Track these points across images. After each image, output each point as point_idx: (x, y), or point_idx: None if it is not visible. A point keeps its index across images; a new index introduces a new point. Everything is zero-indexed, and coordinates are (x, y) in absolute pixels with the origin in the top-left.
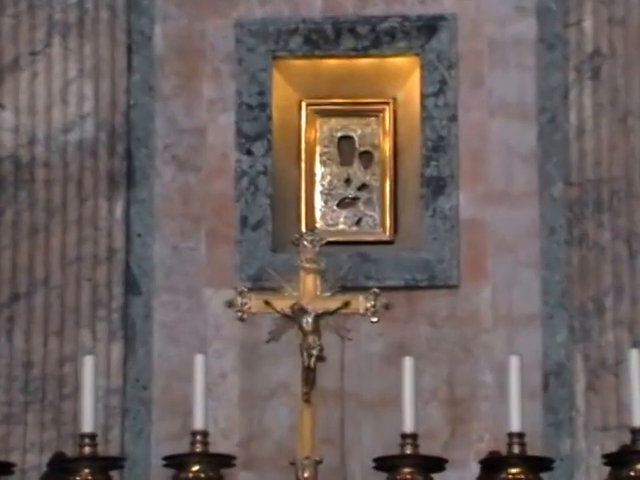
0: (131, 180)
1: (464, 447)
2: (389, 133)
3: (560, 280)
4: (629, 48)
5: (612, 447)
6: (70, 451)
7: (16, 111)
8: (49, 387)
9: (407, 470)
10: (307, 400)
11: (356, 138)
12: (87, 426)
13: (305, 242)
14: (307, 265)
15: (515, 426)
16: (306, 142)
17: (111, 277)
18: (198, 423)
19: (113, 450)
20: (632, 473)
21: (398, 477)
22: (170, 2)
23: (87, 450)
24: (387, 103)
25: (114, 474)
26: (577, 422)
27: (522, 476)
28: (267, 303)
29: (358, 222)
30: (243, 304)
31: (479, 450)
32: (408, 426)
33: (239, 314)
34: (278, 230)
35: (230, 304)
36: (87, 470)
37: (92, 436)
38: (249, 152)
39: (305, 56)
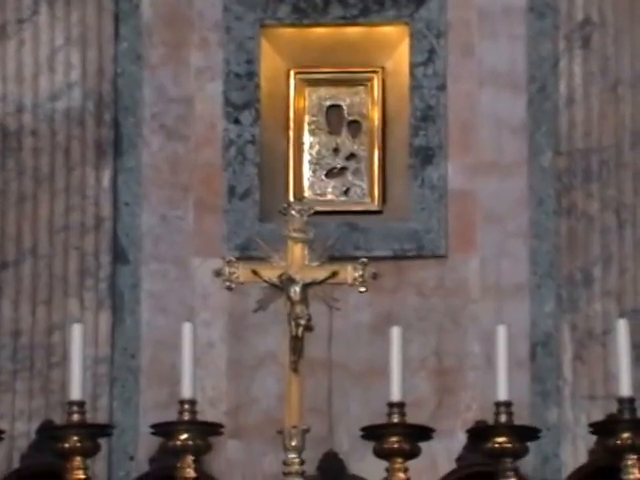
0: (119, 149)
1: (451, 416)
2: (378, 102)
3: (548, 250)
4: (619, 16)
5: (599, 416)
6: (59, 419)
7: (3, 79)
8: (37, 355)
9: (394, 439)
10: (295, 369)
11: (345, 107)
12: (75, 394)
13: (293, 212)
14: (295, 235)
15: (502, 395)
16: (294, 111)
17: (99, 246)
18: (186, 392)
19: (101, 418)
20: (618, 442)
21: (385, 446)
22: None
23: (75, 418)
24: (376, 72)
25: (102, 442)
26: (564, 391)
27: (509, 445)
28: (255, 273)
29: (346, 192)
30: (231, 273)
31: (466, 419)
32: (395, 395)
33: (227, 283)
34: (266, 200)
35: (218, 273)
36: (75, 437)
37: (80, 404)
38: (237, 121)
39: (293, 25)
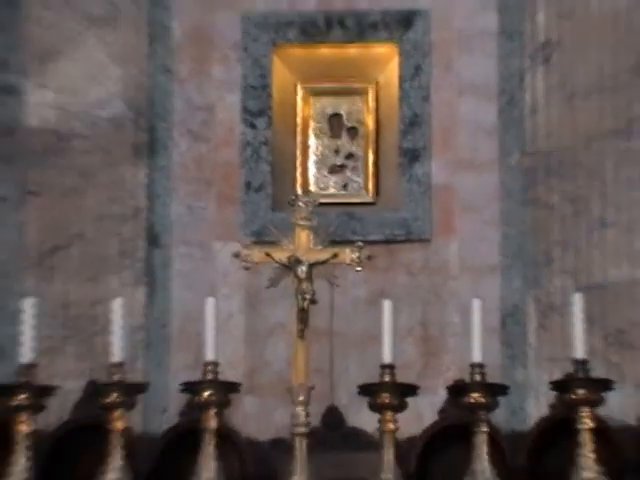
0: (152, 150)
1: (434, 376)
2: (372, 110)
3: (516, 236)
4: (575, 39)
5: (558, 375)
6: (102, 378)
7: (57, 90)
8: (84, 324)
9: (385, 395)
10: (301, 337)
11: (344, 114)
12: (116, 357)
13: (300, 203)
14: (302, 222)
15: (477, 358)
16: (301, 118)
17: (136, 232)
18: (209, 355)
19: (138, 378)
20: (574, 397)
21: (378, 401)
22: None
23: (116, 377)
24: (370, 85)
25: (138, 398)
26: (529, 355)
27: (482, 400)
28: (267, 254)
29: (345, 186)
30: (247, 255)
31: (447, 378)
32: (387, 358)
33: (244, 264)
34: (277, 192)
35: (236, 255)
36: (116, 394)
37: (120, 365)
38: (252, 126)
39: (301, 45)
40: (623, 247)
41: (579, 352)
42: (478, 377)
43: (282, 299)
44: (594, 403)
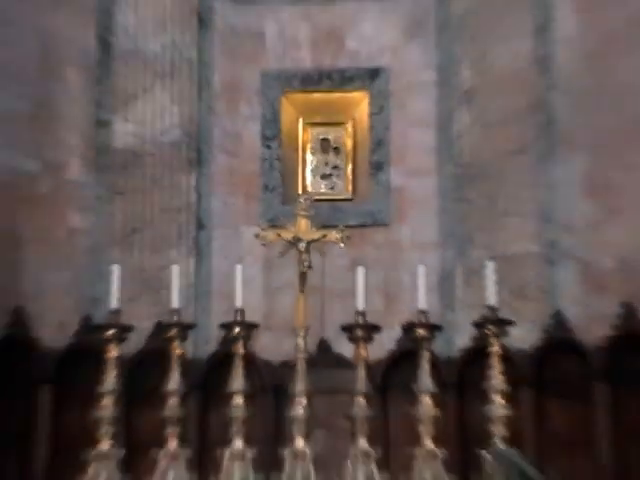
0: (199, 163)
1: (393, 319)
2: (350, 136)
3: (449, 222)
4: (488, 87)
5: (477, 317)
6: (165, 319)
7: (135, 123)
8: (153, 283)
9: (359, 331)
10: (302, 291)
11: (331, 139)
12: (175, 305)
13: (301, 199)
14: (302, 213)
15: (422, 306)
16: (302, 141)
17: (188, 219)
18: (238, 304)
19: (189, 320)
20: (487, 331)
21: (354, 335)
22: (223, 57)
23: (174, 319)
24: (349, 119)
25: (190, 333)
26: (457, 304)
27: (425, 334)
28: (278, 235)
29: (332, 188)
30: (264, 236)
31: (401, 320)
32: (360, 306)
33: (261, 241)
34: (285, 192)
35: (256, 235)
36: (174, 330)
37: (177, 310)
38: (268, 147)
39: (301, 91)
40: (520, 230)
41: (491, 301)
42: (423, 319)
43: (288, 266)
44: (501, 335)
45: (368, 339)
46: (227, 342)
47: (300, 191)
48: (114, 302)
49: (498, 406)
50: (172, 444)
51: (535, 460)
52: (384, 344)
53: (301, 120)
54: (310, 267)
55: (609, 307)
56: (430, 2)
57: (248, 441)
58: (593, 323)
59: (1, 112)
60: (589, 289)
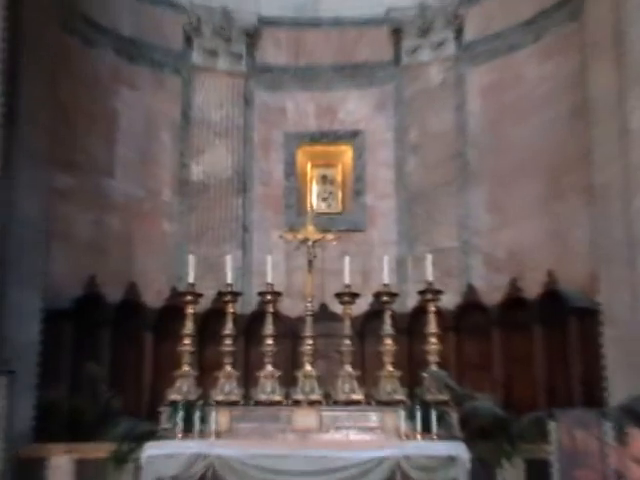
0: (245, 190)
1: (368, 289)
2: (340, 174)
3: (403, 228)
4: (428, 141)
5: (421, 288)
6: (223, 289)
7: (204, 165)
8: (214, 266)
9: (346, 297)
10: (309, 272)
11: (328, 176)
12: (229, 280)
13: (309, 213)
14: (310, 222)
15: (386, 281)
16: (309, 177)
17: (237, 226)
18: (269, 280)
19: (237, 289)
20: (427, 297)
21: (343, 300)
22: (259, 123)
23: (228, 289)
24: (340, 163)
25: (238, 299)
26: (409, 280)
27: (388, 299)
28: (294, 236)
29: (329, 206)
30: (286, 237)
31: (372, 289)
32: (346, 281)
33: (283, 240)
34: (299, 209)
35: (281, 237)
36: (229, 297)
37: (230, 285)
38: (288, 180)
39: (309, 145)
40: (447, 233)
41: (429, 278)
42: (386, 289)
43: (300, 256)
44: (436, 300)
45: (351, 302)
46: (262, 304)
47: (308, 208)
48: (191, 278)
49: (433, 344)
50: (227, 368)
51: (455, 377)
52: (362, 306)
53: (309, 163)
54: (315, 256)
55: (501, 282)
56: (390, 89)
57: (275, 366)
58: (492, 292)
59: (120, 159)
60: (489, 270)
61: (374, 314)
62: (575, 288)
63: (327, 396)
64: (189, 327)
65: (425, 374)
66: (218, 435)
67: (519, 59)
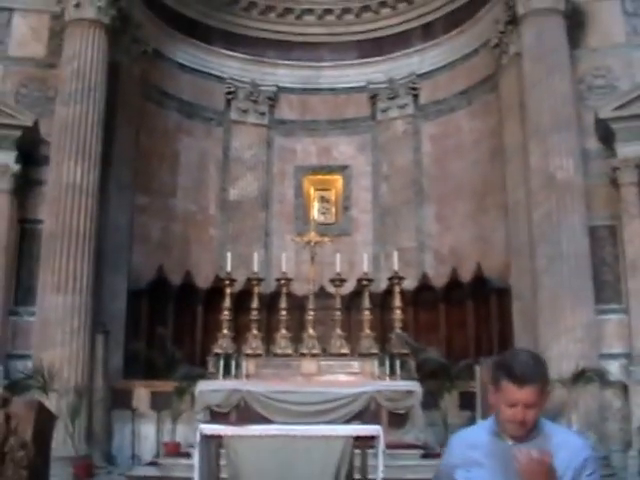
0: (267, 207)
1: (353, 276)
2: (334, 195)
3: (378, 234)
4: (395, 174)
5: (389, 275)
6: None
7: (237, 189)
8: (246, 261)
9: (337, 281)
10: (312, 264)
11: (325, 197)
12: (255, 270)
13: (312, 223)
14: (312, 229)
15: (365, 270)
16: (311, 198)
17: (262, 233)
18: (284, 269)
19: (260, 276)
20: (393, 282)
21: (335, 284)
22: (278, 160)
23: (254, 276)
24: (334, 188)
25: (262, 283)
26: (382, 270)
27: (368, 283)
28: (302, 239)
29: (325, 218)
30: (296, 240)
31: (356, 276)
32: (337, 270)
33: (294, 242)
34: (305, 220)
35: (292, 239)
36: (255, 281)
37: (256, 273)
38: (297, 200)
39: (312, 174)
40: (408, 236)
41: (395, 268)
42: (365, 276)
43: (306, 253)
44: (400, 284)
45: (341, 285)
46: (278, 287)
47: (311, 220)
48: (228, 268)
49: (397, 314)
50: (254, 331)
51: (413, 337)
52: (348, 287)
53: (312, 188)
54: (315, 253)
55: (445, 270)
56: (369, 137)
57: (287, 330)
58: (439, 277)
59: (181, 185)
60: (437, 262)
61: (357, 294)
62: (494, 274)
63: (324, 350)
64: (227, 302)
65: (392, 335)
66: (248, 377)
67: (457, 117)
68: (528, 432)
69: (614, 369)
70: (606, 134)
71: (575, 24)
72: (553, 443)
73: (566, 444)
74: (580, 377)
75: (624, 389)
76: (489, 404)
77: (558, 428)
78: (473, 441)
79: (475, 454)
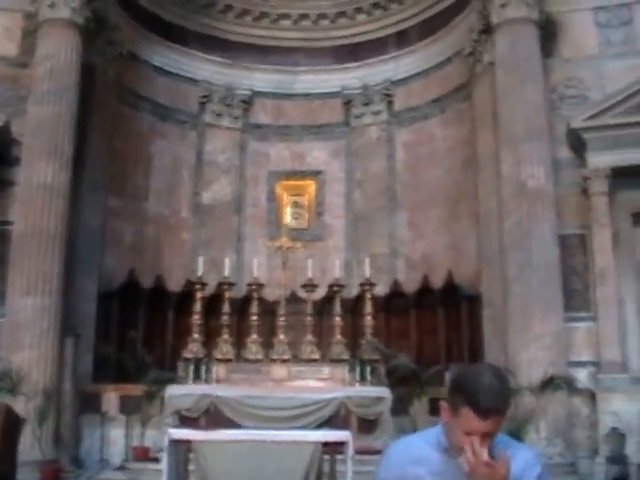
0: (240, 210)
1: (324, 282)
2: (307, 200)
3: (350, 240)
4: (368, 179)
5: (360, 280)
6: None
7: (211, 192)
8: (218, 265)
9: (309, 286)
10: (284, 269)
11: (298, 202)
12: (226, 274)
13: (284, 228)
14: (285, 234)
15: (337, 276)
16: (285, 202)
17: (233, 236)
18: (255, 274)
19: (233, 281)
20: (364, 288)
21: (306, 289)
22: (251, 164)
23: (226, 280)
24: (307, 193)
25: (233, 288)
26: (354, 275)
27: (338, 289)
28: (273, 244)
29: (298, 223)
30: (268, 244)
31: (328, 282)
32: (309, 275)
33: (266, 247)
34: (278, 225)
35: (265, 245)
36: (226, 285)
37: (227, 277)
38: (270, 204)
39: (286, 179)
40: (381, 243)
41: (367, 274)
42: (337, 282)
43: (278, 257)
44: (371, 290)
45: (313, 291)
46: (250, 291)
47: (284, 224)
48: (200, 272)
49: (368, 320)
50: (225, 336)
51: (384, 343)
52: (320, 293)
53: (285, 193)
54: (287, 258)
55: (417, 277)
56: (343, 143)
57: (258, 335)
58: (410, 284)
59: (154, 188)
60: (408, 269)
61: (328, 299)
62: (466, 282)
63: (295, 356)
64: (198, 307)
65: (363, 341)
66: (218, 382)
67: (430, 125)
68: None
69: (582, 377)
70: (577, 144)
71: (548, 34)
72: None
73: (518, 458)
74: (549, 384)
75: (592, 396)
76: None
77: (509, 441)
78: (417, 456)
79: (419, 471)
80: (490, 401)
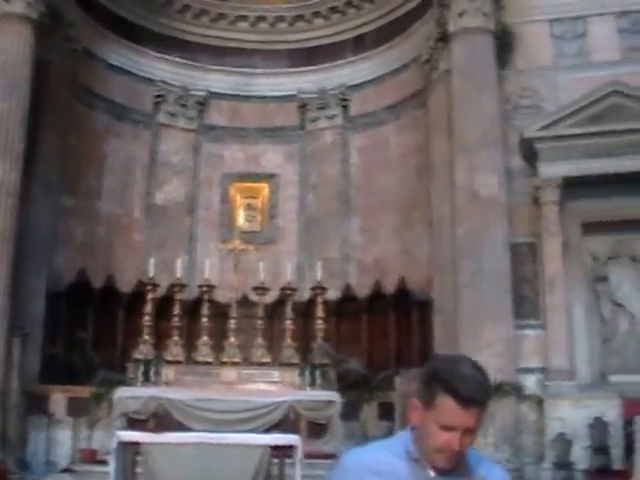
0: (193, 212)
1: (276, 285)
2: (261, 203)
3: (303, 243)
4: (323, 184)
5: (313, 284)
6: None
7: (164, 193)
8: (169, 266)
9: (261, 291)
10: (235, 271)
11: (252, 204)
12: (178, 275)
13: (237, 230)
14: (237, 237)
15: (289, 279)
16: (238, 204)
17: (186, 237)
18: (206, 276)
19: (184, 282)
20: (316, 291)
21: (258, 288)
22: (205, 166)
23: (178, 282)
24: (261, 196)
25: (185, 289)
26: (304, 279)
27: (290, 292)
28: (226, 246)
29: (252, 226)
30: (221, 247)
31: (280, 286)
32: (261, 278)
33: (218, 249)
34: (230, 227)
35: (217, 247)
36: (178, 287)
37: (180, 278)
38: (223, 206)
39: (239, 182)
40: (334, 248)
41: (318, 278)
42: (289, 286)
43: (230, 260)
44: (323, 294)
45: (264, 294)
46: (201, 293)
47: (237, 227)
48: (151, 273)
49: (320, 324)
50: (175, 337)
51: (335, 348)
52: (272, 296)
53: (238, 195)
54: (239, 261)
55: (369, 282)
56: (297, 146)
57: (209, 337)
58: (362, 288)
59: (106, 187)
60: (360, 274)
61: (280, 303)
62: (417, 287)
63: (245, 359)
64: (149, 308)
65: (314, 345)
66: (167, 384)
67: (385, 130)
68: (458, 463)
69: (530, 383)
70: (530, 153)
71: (504, 45)
72: (477, 477)
73: (491, 477)
74: (497, 391)
75: (539, 403)
76: (408, 420)
77: (480, 457)
78: (377, 466)
79: None
80: (471, 388)
